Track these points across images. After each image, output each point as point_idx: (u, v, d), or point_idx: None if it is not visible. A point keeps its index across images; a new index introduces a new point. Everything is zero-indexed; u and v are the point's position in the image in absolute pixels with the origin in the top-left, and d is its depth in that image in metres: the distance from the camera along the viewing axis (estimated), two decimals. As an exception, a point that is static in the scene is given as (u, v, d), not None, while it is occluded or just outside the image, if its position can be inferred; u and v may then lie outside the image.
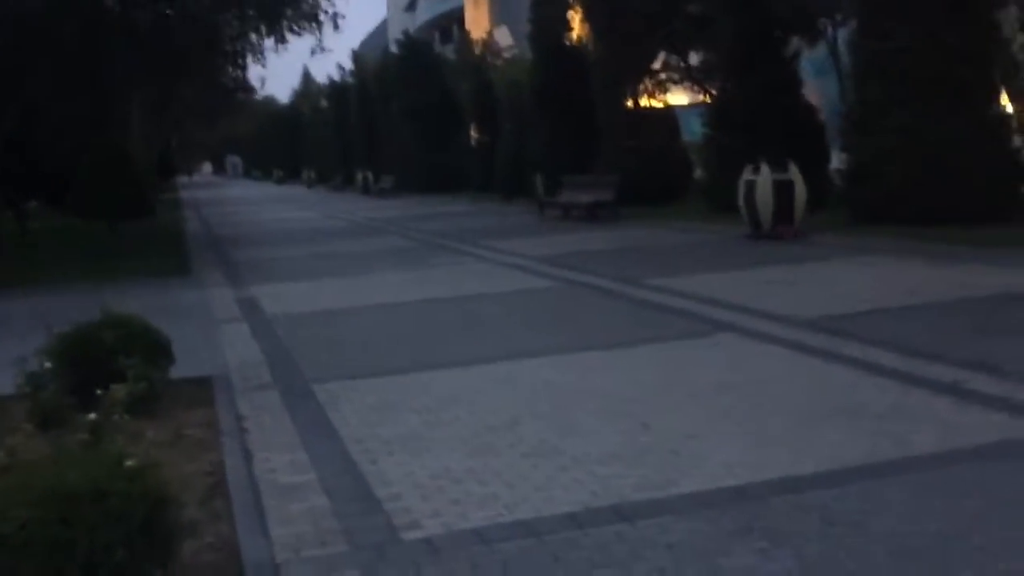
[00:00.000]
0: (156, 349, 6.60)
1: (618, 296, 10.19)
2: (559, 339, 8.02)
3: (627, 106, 24.28)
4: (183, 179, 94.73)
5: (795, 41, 19.97)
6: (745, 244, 14.22)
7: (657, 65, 25.01)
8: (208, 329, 9.57)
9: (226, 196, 54.27)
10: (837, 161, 18.15)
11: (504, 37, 53.47)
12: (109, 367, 6.15)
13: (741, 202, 14.88)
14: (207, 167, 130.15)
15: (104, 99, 20.80)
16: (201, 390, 6.88)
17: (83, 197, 16.80)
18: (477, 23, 60.74)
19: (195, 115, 43.62)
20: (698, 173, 21.55)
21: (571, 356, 7.36)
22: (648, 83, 24.47)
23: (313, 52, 23.88)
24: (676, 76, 25.47)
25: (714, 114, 19.45)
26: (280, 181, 74.60)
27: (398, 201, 36.08)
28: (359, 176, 46.56)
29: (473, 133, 39.40)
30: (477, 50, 44.15)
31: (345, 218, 27.76)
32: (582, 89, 26.35)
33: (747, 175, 14.75)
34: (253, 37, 23.61)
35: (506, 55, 43.83)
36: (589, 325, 8.69)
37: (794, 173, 14.47)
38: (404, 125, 41.70)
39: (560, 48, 27.46)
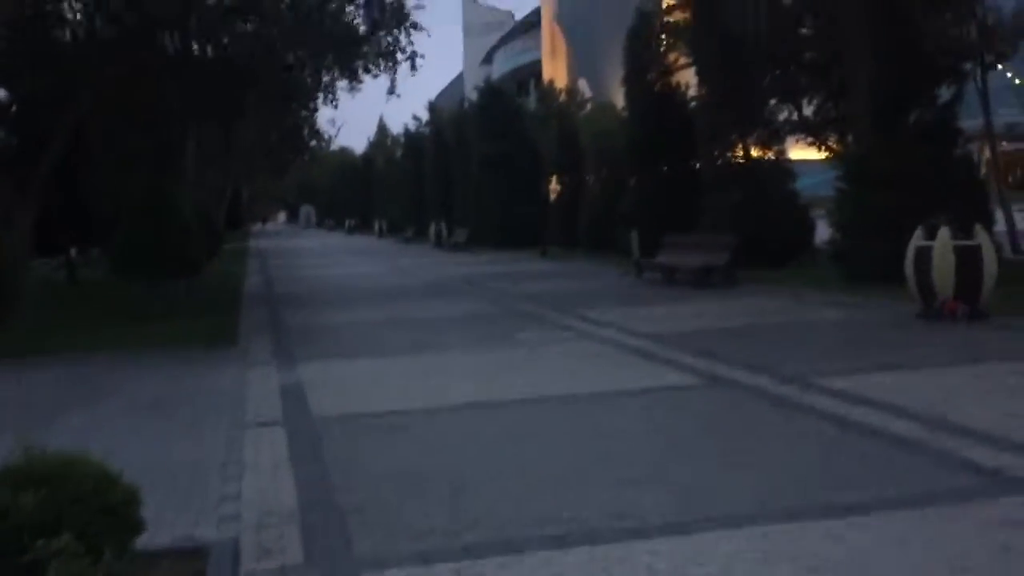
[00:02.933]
0: (110, 516, 4.01)
1: (793, 407, 7.34)
2: (743, 492, 5.23)
3: (738, 158, 21.50)
4: (256, 227, 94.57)
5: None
6: (921, 326, 11.25)
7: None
8: (231, 440, 6.99)
9: (295, 246, 52.65)
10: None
11: (584, 89, 51.45)
12: (21, 556, 3.59)
13: (909, 273, 11.93)
14: (281, 216, 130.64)
15: (158, 138, 18.83)
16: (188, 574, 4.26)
17: (118, 249, 14.61)
18: (556, 76, 58.95)
19: (266, 162, 42.10)
20: (826, 235, 18.60)
21: (778, 530, 4.56)
22: (760, 132, 21.68)
23: (390, 94, 21.59)
24: (788, 127, 22.72)
25: (853, 167, 16.53)
26: (351, 231, 73.20)
27: (472, 256, 33.66)
28: (432, 228, 44.41)
29: (554, 185, 37.01)
30: (560, 99, 41.97)
31: (417, 274, 25.35)
32: (683, 138, 23.74)
33: (919, 239, 11.82)
34: (325, 77, 21.58)
35: (589, 106, 41.63)
36: (781, 464, 5.87)
37: (982, 238, 11.51)
38: (481, 176, 39.51)
39: (657, 93, 24.87)
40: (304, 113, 26.91)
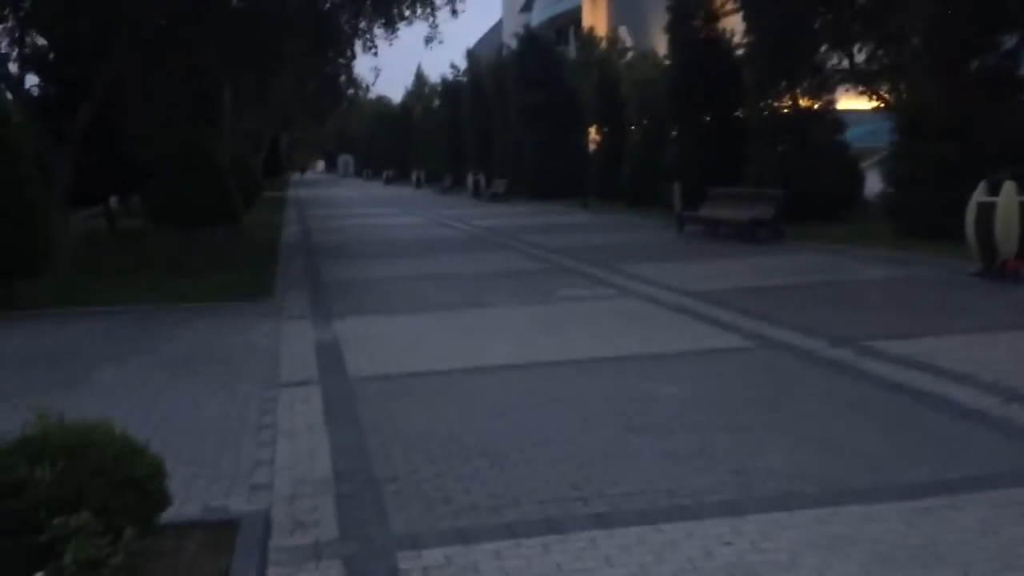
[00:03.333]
0: (133, 490, 3.78)
1: (851, 373, 6.97)
2: (804, 469, 4.90)
3: (786, 107, 20.80)
4: (295, 176, 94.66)
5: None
6: (980, 285, 10.75)
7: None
8: (264, 401, 6.77)
9: (333, 196, 52.54)
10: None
11: (626, 37, 50.34)
12: (37, 535, 3.38)
13: (970, 230, 11.40)
14: (320, 165, 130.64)
15: (195, 89, 18.55)
16: (216, 551, 4.05)
17: (154, 198, 14.41)
18: (596, 23, 57.73)
19: (303, 110, 41.77)
20: (878, 188, 17.96)
21: (847, 512, 4.24)
22: (810, 81, 20.94)
23: (428, 41, 21.09)
24: (839, 75, 21.91)
25: (910, 117, 15.85)
26: (389, 181, 72.90)
27: (511, 207, 33.26)
28: (470, 179, 43.98)
29: (594, 136, 36.36)
30: (601, 47, 41.03)
31: (455, 226, 25.04)
32: (728, 87, 23.04)
33: (980, 195, 11.26)
34: (362, 23, 21.10)
35: (630, 55, 40.64)
36: (843, 438, 5.52)
37: (1049, 194, 10.95)
38: (520, 126, 38.94)
39: (702, 40, 24.08)
40: (341, 61, 26.43)
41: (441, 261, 16.24)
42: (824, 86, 20.84)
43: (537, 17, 75.22)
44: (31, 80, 20.65)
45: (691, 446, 5.38)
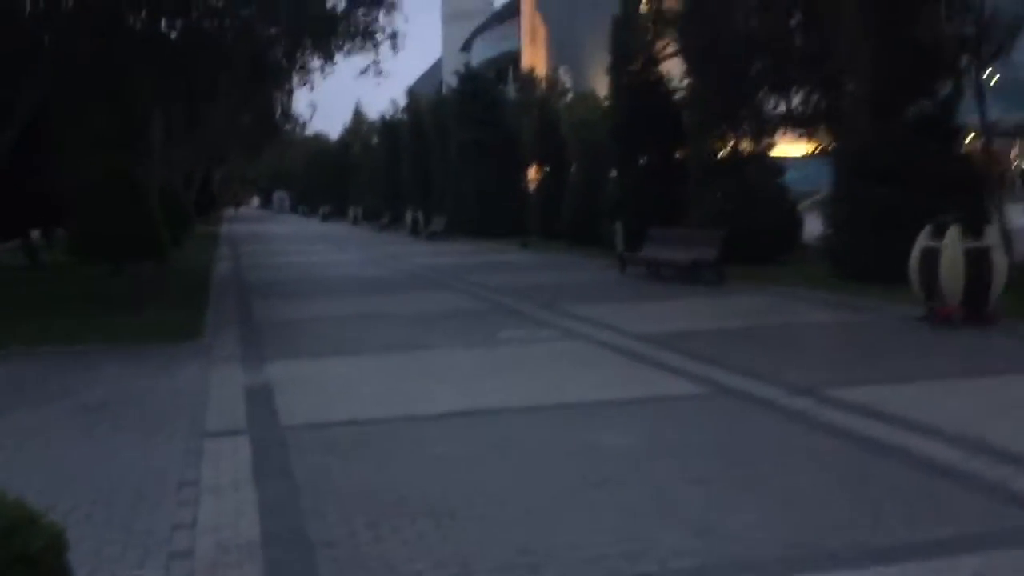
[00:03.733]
0: (28, 567, 3.27)
1: (811, 424, 6.70)
2: (772, 530, 4.58)
3: (726, 150, 20.88)
4: (230, 211, 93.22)
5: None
6: (927, 331, 10.66)
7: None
8: (188, 453, 6.25)
9: (268, 232, 51.61)
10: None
11: (565, 78, 50.68)
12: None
13: (914, 275, 11.35)
14: (255, 201, 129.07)
15: (124, 117, 17.88)
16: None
17: (77, 230, 13.70)
18: (536, 63, 58.10)
19: (238, 145, 41.02)
20: (815, 231, 18.00)
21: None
22: (749, 124, 21.07)
23: (365, 71, 20.77)
24: (777, 120, 22.12)
25: (850, 161, 15.93)
26: (325, 218, 72.06)
27: (450, 246, 32.92)
28: (408, 216, 43.54)
29: (534, 175, 36.29)
30: (541, 87, 41.20)
31: (393, 265, 24.57)
32: (668, 129, 23.16)
33: (925, 240, 11.23)
34: (300, 56, 20.72)
35: (570, 95, 40.84)
36: (811, 496, 5.21)
37: (992, 238, 10.96)
38: (460, 164, 38.70)
39: (643, 82, 24.18)
40: (278, 94, 25.95)
41: (379, 300, 15.78)
42: (764, 130, 20.97)
43: (477, 57, 75.59)
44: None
45: (650, 502, 5.02)
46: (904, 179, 14.48)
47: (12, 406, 7.81)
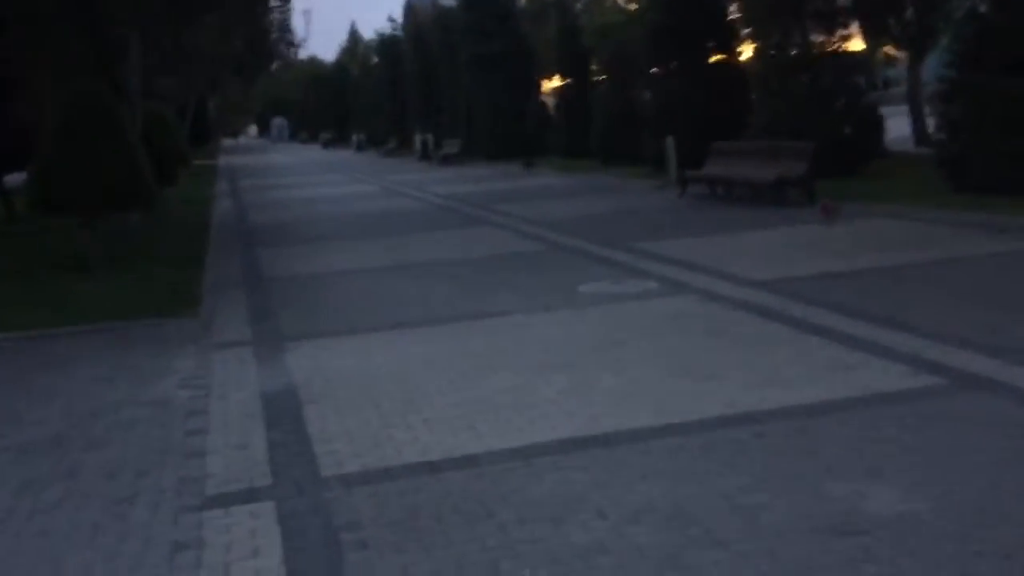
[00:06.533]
0: None
1: None
2: None
3: (792, 48, 18.04)
4: (228, 142, 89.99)
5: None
6: None
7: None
8: (176, 542, 3.80)
9: (269, 163, 48.71)
10: None
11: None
12: None
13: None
14: (252, 130, 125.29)
15: (93, 40, 15.17)
16: None
17: (39, 176, 11.11)
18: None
19: (231, 70, 37.99)
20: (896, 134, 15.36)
21: None
22: (818, 16, 18.19)
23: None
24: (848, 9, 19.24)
25: (966, 50, 13.17)
26: (327, 145, 68.90)
27: (467, 170, 30.20)
28: (417, 140, 40.61)
29: (551, 90, 33.35)
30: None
31: (413, 195, 21.94)
32: (717, 27, 20.37)
33: None
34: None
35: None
36: None
37: None
38: (472, 81, 35.66)
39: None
40: (271, 14, 23.03)
41: (411, 243, 13.24)
42: (838, 22, 18.09)
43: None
44: None
45: None
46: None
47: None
